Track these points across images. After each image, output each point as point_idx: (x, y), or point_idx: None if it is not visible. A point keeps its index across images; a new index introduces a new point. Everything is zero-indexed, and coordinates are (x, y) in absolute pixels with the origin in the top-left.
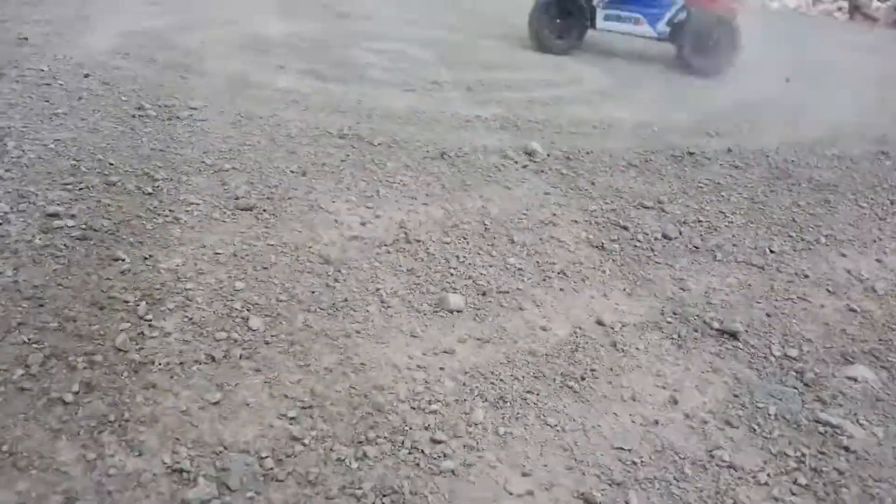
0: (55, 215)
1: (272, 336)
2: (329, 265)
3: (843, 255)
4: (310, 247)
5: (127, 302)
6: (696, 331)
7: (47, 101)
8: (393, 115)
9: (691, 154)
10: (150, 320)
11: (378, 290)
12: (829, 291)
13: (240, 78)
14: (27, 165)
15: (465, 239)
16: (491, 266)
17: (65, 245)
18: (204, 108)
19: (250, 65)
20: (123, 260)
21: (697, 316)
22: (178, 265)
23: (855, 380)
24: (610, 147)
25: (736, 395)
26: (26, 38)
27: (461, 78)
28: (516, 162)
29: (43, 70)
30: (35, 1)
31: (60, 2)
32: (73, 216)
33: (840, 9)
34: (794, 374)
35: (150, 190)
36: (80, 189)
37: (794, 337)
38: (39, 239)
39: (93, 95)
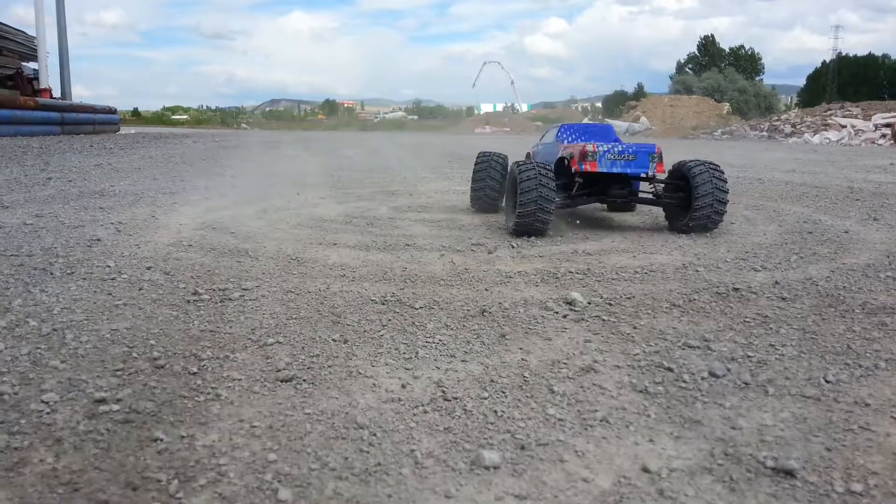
0: (102, 401)
1: None
2: (364, 430)
3: None
4: (346, 412)
5: (160, 481)
6: (749, 471)
7: (110, 294)
8: (435, 277)
9: (736, 290)
10: (181, 498)
11: (413, 451)
12: (894, 419)
13: (294, 257)
14: (82, 355)
15: (503, 393)
16: (530, 418)
17: (107, 429)
18: (255, 288)
19: (305, 244)
20: (162, 440)
21: (750, 455)
22: (213, 441)
23: None
24: (652, 290)
25: None
26: (99, 239)
27: (506, 238)
28: (556, 312)
29: (109, 266)
30: (110, 206)
31: (134, 203)
32: (118, 400)
33: (884, 136)
34: None
35: (195, 370)
36: (129, 374)
37: (857, 470)
38: (83, 425)
39: (152, 285)
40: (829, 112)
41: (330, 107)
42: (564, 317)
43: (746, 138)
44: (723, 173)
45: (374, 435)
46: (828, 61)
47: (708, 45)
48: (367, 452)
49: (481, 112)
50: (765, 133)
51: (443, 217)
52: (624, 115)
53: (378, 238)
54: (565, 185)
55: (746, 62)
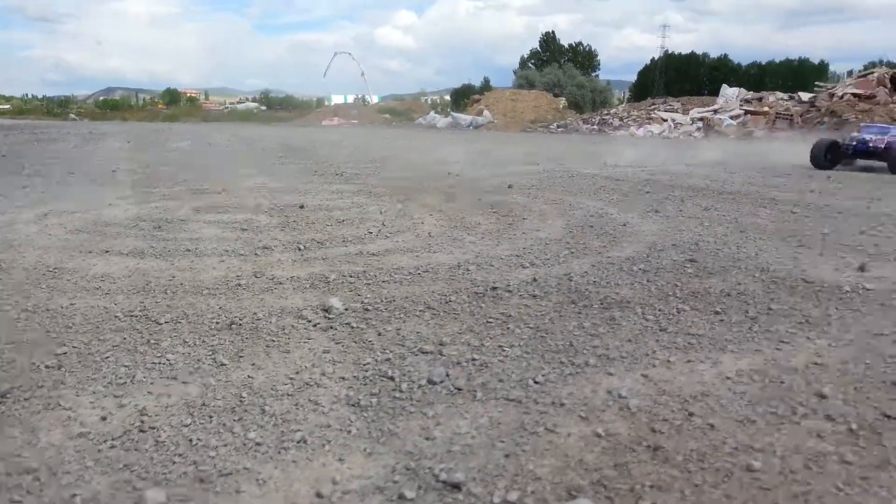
0: None
1: None
2: (29, 475)
3: (610, 374)
4: (18, 455)
5: None
6: (420, 487)
7: None
8: (200, 287)
9: (494, 289)
10: None
11: (74, 496)
12: (581, 418)
13: (53, 268)
14: None
15: (209, 418)
16: (226, 445)
17: None
18: None
19: (72, 252)
20: None
21: (429, 469)
22: None
23: None
24: (416, 292)
25: None
26: None
27: (300, 239)
28: (309, 321)
29: None
30: None
31: None
32: None
33: (699, 129)
34: None
35: None
36: None
37: (524, 477)
38: None
39: None
40: (653, 106)
41: (171, 96)
42: (315, 326)
43: (579, 131)
44: None
45: (39, 480)
46: (656, 58)
47: (549, 41)
48: (21, 503)
49: (332, 104)
50: (595, 126)
51: (242, 218)
52: (468, 109)
53: (159, 243)
54: None
55: (584, 58)
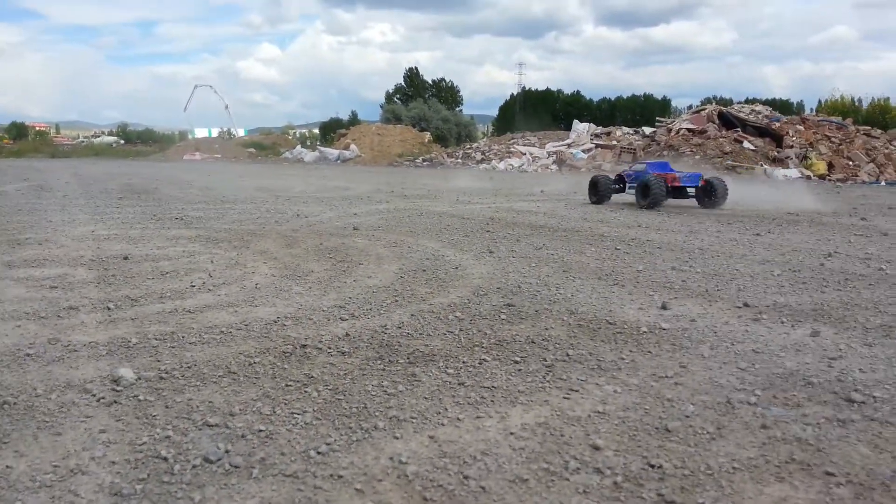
0: None
1: None
2: None
3: (396, 438)
4: None
5: None
6: None
7: None
8: None
9: (304, 347)
10: None
11: None
12: (356, 490)
13: None
14: None
15: None
16: None
17: None
18: None
19: None
20: None
21: None
22: None
23: None
24: (222, 354)
25: None
26: None
27: (113, 296)
28: (94, 395)
29: None
30: None
31: None
32: None
33: (554, 162)
34: None
35: None
36: None
37: None
38: None
39: None
40: (512, 141)
41: (17, 130)
42: (99, 401)
43: (444, 165)
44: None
45: None
46: (515, 94)
47: (413, 76)
48: None
49: (195, 137)
50: (459, 160)
51: (56, 273)
52: (336, 143)
53: None
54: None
55: (447, 93)
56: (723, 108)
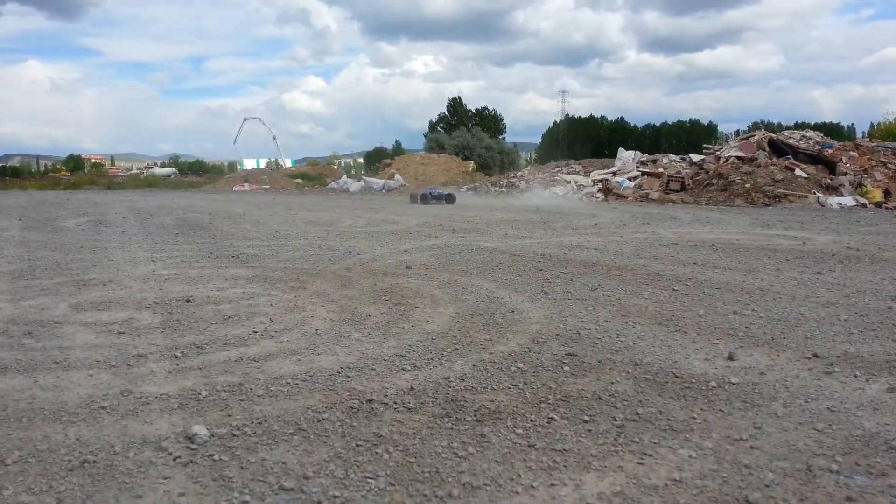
0: None
1: None
2: None
3: None
4: None
5: None
6: None
7: None
8: (60, 411)
9: (370, 402)
10: None
11: None
12: None
13: None
14: None
15: None
16: None
17: None
18: None
19: None
20: None
21: None
22: None
23: None
24: (290, 409)
25: None
26: None
27: (179, 342)
28: (170, 454)
29: None
30: None
31: None
32: None
33: (600, 190)
34: None
35: None
36: None
37: None
38: None
39: None
40: (556, 169)
41: (74, 162)
42: (175, 460)
43: (488, 193)
44: None
45: None
46: (558, 121)
47: (456, 106)
48: None
49: (244, 168)
50: (504, 189)
51: (122, 317)
52: (380, 173)
53: (26, 354)
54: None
55: (490, 122)
56: (773, 134)
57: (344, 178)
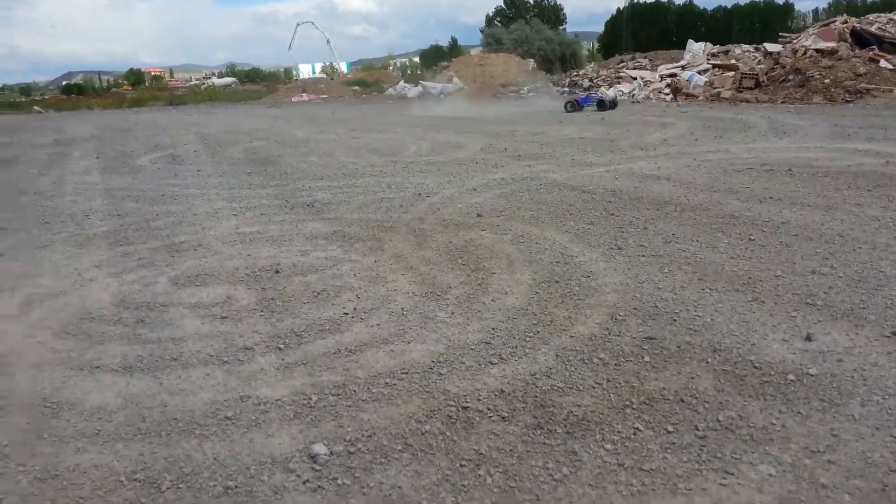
0: None
1: None
2: None
3: None
4: None
5: None
6: None
7: None
8: (191, 422)
9: (465, 409)
10: None
11: None
12: None
13: (48, 401)
14: None
15: None
16: None
17: None
18: None
19: (63, 371)
20: None
21: None
22: None
23: None
24: (394, 416)
25: None
26: None
27: (279, 329)
28: (299, 477)
29: None
30: None
31: None
32: None
33: (668, 88)
34: None
35: None
36: None
37: None
38: None
39: None
40: (621, 64)
41: (135, 76)
42: (305, 483)
43: (550, 95)
44: None
45: None
46: (621, 8)
47: None
48: None
49: (300, 74)
50: (566, 89)
51: (220, 295)
52: (437, 76)
53: (145, 349)
54: None
55: (550, 12)
56: (857, 23)
57: (401, 83)
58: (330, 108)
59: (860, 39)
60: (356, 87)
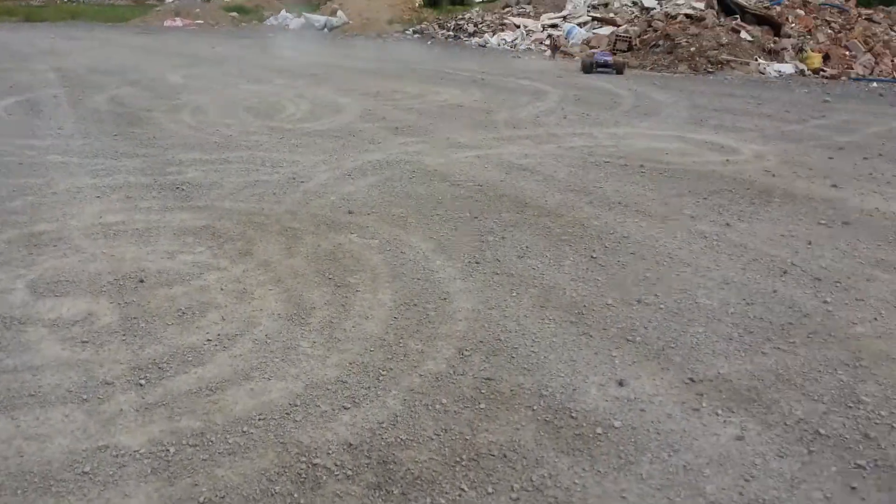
0: None
1: None
2: None
3: None
4: None
5: None
6: None
7: None
8: (48, 478)
9: (314, 466)
10: None
11: None
12: None
13: None
14: None
15: None
16: None
17: None
18: None
19: None
20: None
21: None
22: None
23: None
24: (248, 473)
25: None
26: None
27: (141, 359)
28: None
29: None
30: None
31: None
32: None
33: (547, 46)
34: None
35: None
36: None
37: None
38: None
39: None
40: (506, 10)
41: None
42: None
43: (435, 38)
44: None
45: None
46: None
47: None
48: None
49: None
50: (451, 33)
51: (82, 310)
52: (322, 8)
53: (2, 378)
54: None
55: None
56: None
57: (283, 13)
58: (206, 39)
59: (725, 7)
60: (234, 14)
